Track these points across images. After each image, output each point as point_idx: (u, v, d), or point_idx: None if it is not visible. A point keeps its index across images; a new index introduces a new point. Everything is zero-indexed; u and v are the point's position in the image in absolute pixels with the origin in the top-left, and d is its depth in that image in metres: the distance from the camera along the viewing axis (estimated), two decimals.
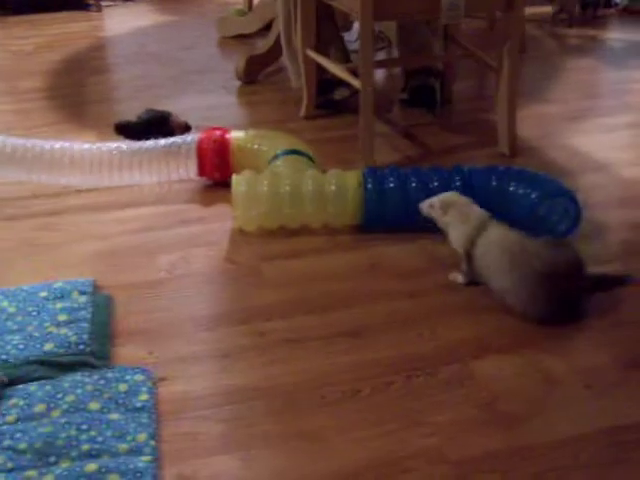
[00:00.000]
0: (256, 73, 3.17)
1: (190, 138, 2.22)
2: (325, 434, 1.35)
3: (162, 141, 2.21)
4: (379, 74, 3.31)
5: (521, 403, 1.42)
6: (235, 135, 2.23)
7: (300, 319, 1.67)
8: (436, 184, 1.94)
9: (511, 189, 1.94)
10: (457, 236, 1.74)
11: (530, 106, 2.83)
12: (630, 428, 1.35)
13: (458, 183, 1.95)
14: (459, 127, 2.71)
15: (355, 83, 2.30)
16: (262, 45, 3.26)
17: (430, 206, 1.79)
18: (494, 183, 1.96)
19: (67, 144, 2.18)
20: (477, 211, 1.75)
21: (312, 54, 2.63)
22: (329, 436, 1.34)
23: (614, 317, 1.66)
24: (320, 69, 2.65)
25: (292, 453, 1.31)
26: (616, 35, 3.88)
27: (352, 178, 1.97)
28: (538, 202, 1.89)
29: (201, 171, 2.22)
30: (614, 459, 1.28)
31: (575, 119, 2.76)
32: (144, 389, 1.43)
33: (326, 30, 2.73)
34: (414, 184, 1.96)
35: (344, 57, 2.81)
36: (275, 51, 3.11)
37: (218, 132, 2.23)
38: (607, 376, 1.48)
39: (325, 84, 2.76)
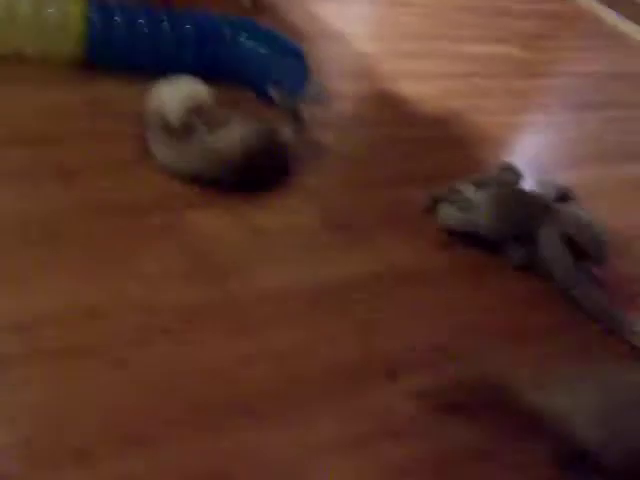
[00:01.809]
0: None
1: None
2: (26, 276, 1.27)
3: None
4: None
5: (230, 255, 1.44)
6: None
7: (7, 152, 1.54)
8: (166, 24, 1.85)
9: (242, 40, 1.90)
10: None
11: None
12: (326, 286, 1.43)
13: (189, 27, 1.87)
14: None
15: None
16: None
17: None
18: (226, 32, 1.90)
19: None
20: None
21: None
22: (30, 279, 1.27)
23: (321, 182, 1.73)
24: None
25: None
26: None
27: (75, 4, 1.80)
28: (269, 57, 1.89)
29: None
30: (310, 315, 1.36)
31: None
32: None
33: None
34: (143, 21, 1.84)
35: None
36: None
37: None
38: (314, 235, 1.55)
39: None
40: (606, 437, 1.12)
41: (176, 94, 1.62)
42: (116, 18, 1.82)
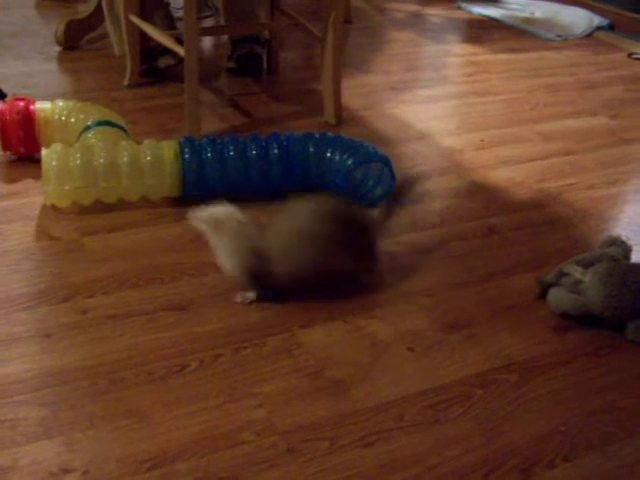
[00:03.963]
0: (77, 38, 3.03)
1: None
2: (151, 412, 1.32)
3: None
4: (206, 42, 3.27)
5: (348, 369, 1.45)
6: (41, 107, 2.11)
7: (124, 294, 1.62)
8: (254, 152, 1.95)
9: (327, 155, 1.97)
10: None
11: (355, 76, 2.89)
12: (447, 387, 1.42)
13: (276, 151, 1.96)
14: (285, 96, 2.72)
15: (180, 51, 2.25)
16: (83, 9, 3.12)
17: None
18: (311, 149, 1.98)
19: None
20: None
21: (135, 20, 2.54)
22: (155, 413, 1.31)
23: (425, 282, 1.73)
24: (145, 36, 2.56)
25: (117, 433, 1.27)
26: (436, 11, 4.02)
27: (168, 148, 1.92)
28: (353, 167, 1.94)
29: (5, 145, 2.10)
30: (434, 418, 1.34)
31: (398, 90, 2.84)
32: None
33: None
34: (232, 153, 1.94)
35: (169, 24, 2.74)
36: (97, 16, 2.99)
37: (22, 103, 2.10)
38: (427, 339, 1.55)
39: (149, 52, 2.69)
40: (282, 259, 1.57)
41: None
42: (206, 154, 1.93)
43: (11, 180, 2.05)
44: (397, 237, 1.84)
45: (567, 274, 1.63)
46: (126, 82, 2.67)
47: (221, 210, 1.62)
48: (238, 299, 1.63)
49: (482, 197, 2.11)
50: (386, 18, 3.84)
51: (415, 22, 3.81)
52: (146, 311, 1.57)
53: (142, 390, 1.36)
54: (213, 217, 1.60)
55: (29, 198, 1.96)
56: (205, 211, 1.61)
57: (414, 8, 4.02)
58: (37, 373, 1.39)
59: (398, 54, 3.29)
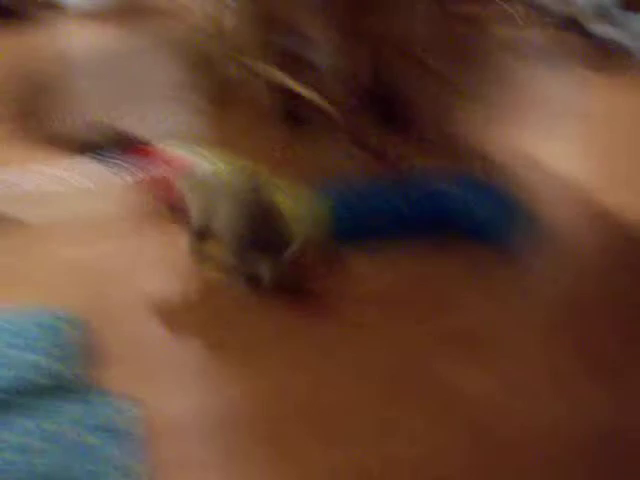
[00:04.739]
0: (228, 93, 3.19)
1: (145, 162, 2.24)
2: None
3: (118, 165, 2.24)
4: None
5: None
6: (187, 155, 2.22)
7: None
8: (399, 198, 2.06)
9: (468, 199, 2.04)
10: None
11: (480, 111, 2.90)
12: None
13: (415, 195, 2.07)
14: (417, 137, 2.76)
15: (325, 106, 2.33)
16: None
17: None
18: (451, 192, 2.06)
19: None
20: None
21: (276, 71, 2.67)
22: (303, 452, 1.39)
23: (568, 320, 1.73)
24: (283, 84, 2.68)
25: None
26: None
27: (322, 199, 2.03)
28: (495, 212, 2.00)
29: (156, 195, 2.24)
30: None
31: (525, 124, 2.83)
32: (130, 415, 1.47)
33: (288, 46, 2.78)
34: (378, 199, 2.06)
35: (306, 71, 2.85)
36: (240, 66, 3.14)
37: (172, 154, 2.24)
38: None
39: (289, 98, 2.80)
40: None
41: None
42: (355, 204, 2.06)
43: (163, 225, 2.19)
44: None
45: None
46: (268, 128, 2.78)
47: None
48: None
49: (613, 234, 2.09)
50: (505, 49, 3.82)
51: (536, 53, 3.77)
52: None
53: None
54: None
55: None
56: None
57: (536, 38, 3.98)
58: (205, 413, 1.50)
59: (521, 87, 3.28)
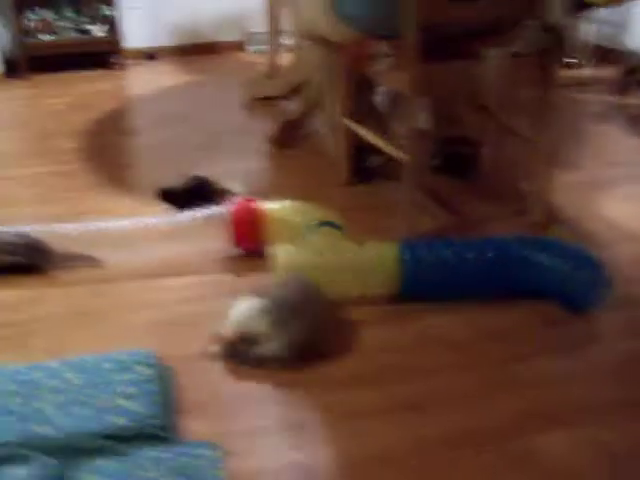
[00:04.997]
0: (289, 137, 3.24)
1: (225, 210, 2.29)
2: None
3: (199, 213, 2.30)
4: None
5: None
6: (269, 207, 2.29)
7: (360, 393, 1.70)
8: (471, 255, 2.02)
9: (542, 260, 2.01)
10: None
11: (559, 173, 2.89)
12: None
13: (490, 254, 2.02)
14: (491, 195, 2.76)
15: (395, 153, 2.35)
16: (292, 109, 3.35)
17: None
18: (525, 253, 2.03)
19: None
20: None
21: (350, 123, 2.70)
22: None
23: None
24: (356, 138, 2.71)
25: None
26: (633, 101, 3.96)
27: (391, 249, 2.03)
28: (568, 273, 1.97)
29: (237, 241, 2.29)
30: None
31: (601, 187, 2.82)
32: (214, 464, 1.45)
33: (363, 99, 2.82)
34: (450, 255, 2.02)
35: (379, 124, 2.88)
36: (307, 116, 3.20)
37: (252, 204, 2.29)
38: None
39: (360, 152, 2.83)
40: None
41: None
42: (425, 257, 2.02)
43: (246, 274, 2.21)
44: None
45: None
46: (340, 181, 2.81)
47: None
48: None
49: None
50: (580, 109, 3.83)
51: (612, 114, 3.78)
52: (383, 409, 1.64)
53: None
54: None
55: None
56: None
57: (610, 99, 3.99)
58: (286, 466, 1.49)
59: (599, 148, 3.27)
